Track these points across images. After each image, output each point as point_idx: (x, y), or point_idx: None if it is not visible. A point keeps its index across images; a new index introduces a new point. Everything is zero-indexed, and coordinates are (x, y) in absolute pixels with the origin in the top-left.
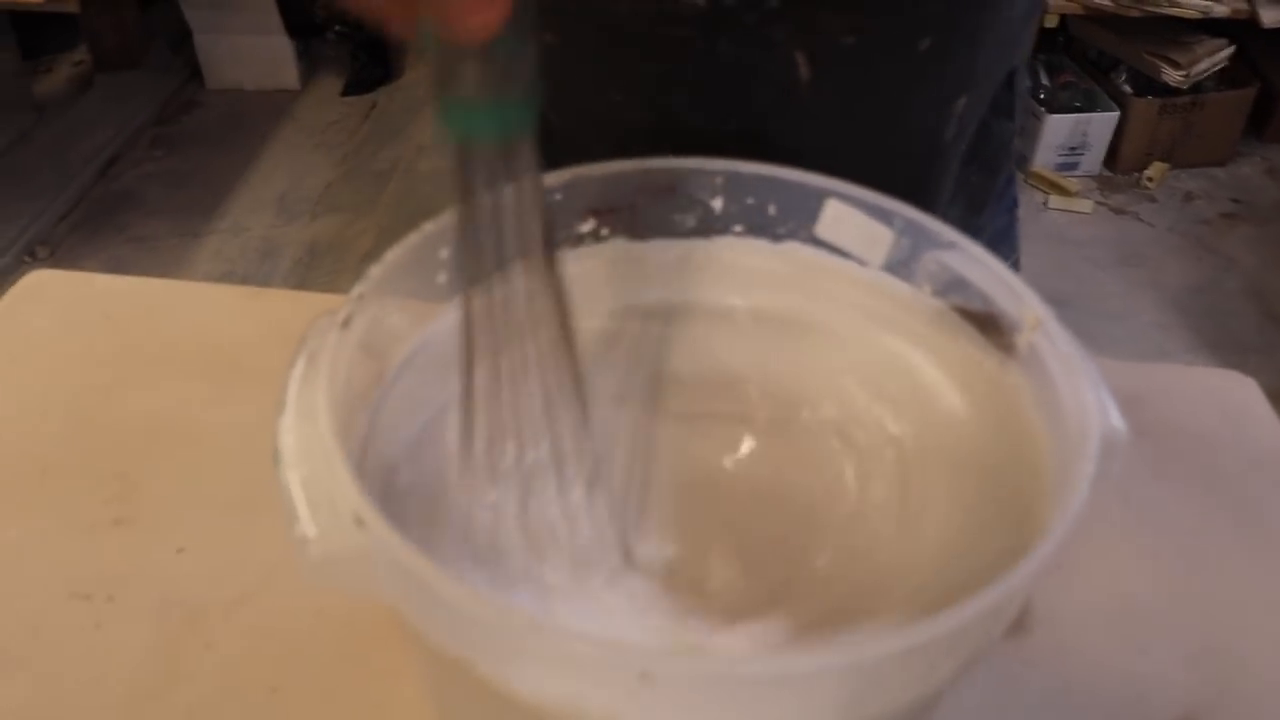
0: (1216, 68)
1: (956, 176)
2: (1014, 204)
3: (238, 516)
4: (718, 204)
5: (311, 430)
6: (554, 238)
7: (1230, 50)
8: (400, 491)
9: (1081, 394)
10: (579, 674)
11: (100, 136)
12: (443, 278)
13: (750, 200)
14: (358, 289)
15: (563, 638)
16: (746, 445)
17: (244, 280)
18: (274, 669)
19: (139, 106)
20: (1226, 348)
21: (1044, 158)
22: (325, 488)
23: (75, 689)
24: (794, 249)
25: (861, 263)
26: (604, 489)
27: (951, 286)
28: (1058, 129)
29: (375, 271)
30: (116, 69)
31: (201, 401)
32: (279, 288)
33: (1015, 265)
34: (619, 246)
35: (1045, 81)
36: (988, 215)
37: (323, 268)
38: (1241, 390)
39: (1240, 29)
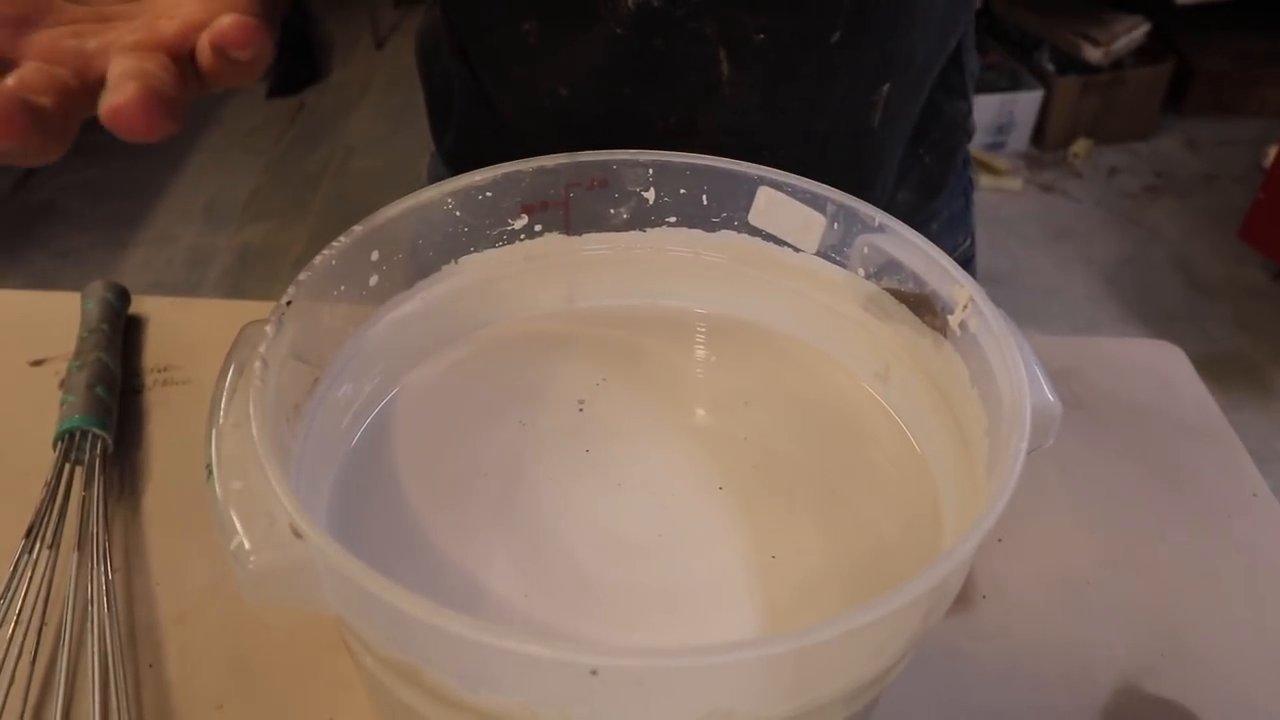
0: (1135, 45)
1: (904, 160)
2: (969, 186)
3: (173, 533)
4: (650, 195)
5: (245, 441)
6: None
7: (1147, 27)
8: (338, 498)
9: (1014, 370)
10: (527, 675)
11: None
12: (374, 280)
13: (682, 191)
14: (287, 294)
15: (509, 639)
16: (693, 445)
17: (173, 291)
18: (219, 686)
19: None
20: (1154, 317)
21: (973, 138)
22: (261, 499)
23: None
24: (729, 238)
25: (796, 249)
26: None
27: (885, 269)
28: (985, 109)
29: (305, 276)
30: None
31: (132, 417)
32: (209, 297)
33: (970, 248)
34: (553, 241)
35: None
36: (943, 199)
37: (254, 275)
38: (1169, 359)
39: (1155, 6)
